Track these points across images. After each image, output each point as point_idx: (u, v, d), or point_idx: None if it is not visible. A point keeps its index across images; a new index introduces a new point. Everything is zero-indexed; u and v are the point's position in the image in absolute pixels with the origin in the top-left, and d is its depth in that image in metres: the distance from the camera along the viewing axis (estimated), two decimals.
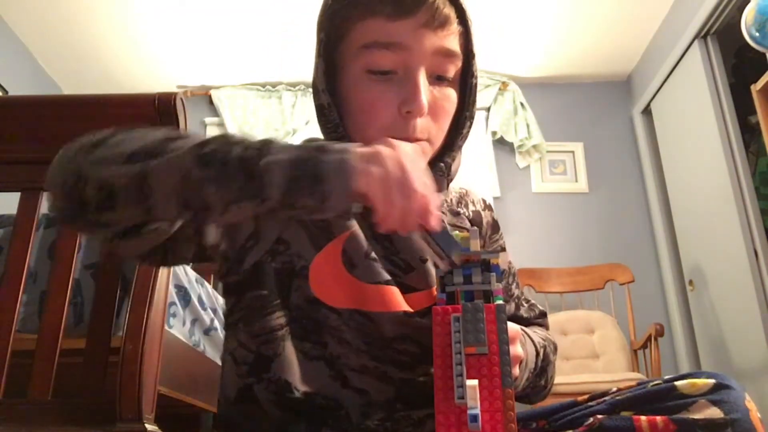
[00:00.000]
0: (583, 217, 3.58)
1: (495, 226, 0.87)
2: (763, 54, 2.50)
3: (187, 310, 1.47)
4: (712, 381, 0.58)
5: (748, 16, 2.27)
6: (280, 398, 0.65)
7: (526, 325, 0.82)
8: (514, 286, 0.85)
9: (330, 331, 0.67)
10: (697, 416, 0.56)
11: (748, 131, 3.07)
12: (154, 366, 1.06)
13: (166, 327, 1.16)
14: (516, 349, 0.65)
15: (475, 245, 0.60)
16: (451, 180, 0.77)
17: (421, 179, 0.52)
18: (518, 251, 3.47)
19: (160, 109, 1.19)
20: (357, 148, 0.53)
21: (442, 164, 0.73)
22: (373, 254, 0.69)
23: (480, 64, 3.25)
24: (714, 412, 0.56)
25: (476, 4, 3.16)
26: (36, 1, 3.05)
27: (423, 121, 0.67)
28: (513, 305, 0.83)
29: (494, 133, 3.67)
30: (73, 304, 1.22)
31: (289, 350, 0.66)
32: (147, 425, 1.01)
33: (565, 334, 2.91)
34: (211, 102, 3.77)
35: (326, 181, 0.51)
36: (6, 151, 1.22)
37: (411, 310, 0.69)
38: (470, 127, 0.76)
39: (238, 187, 0.52)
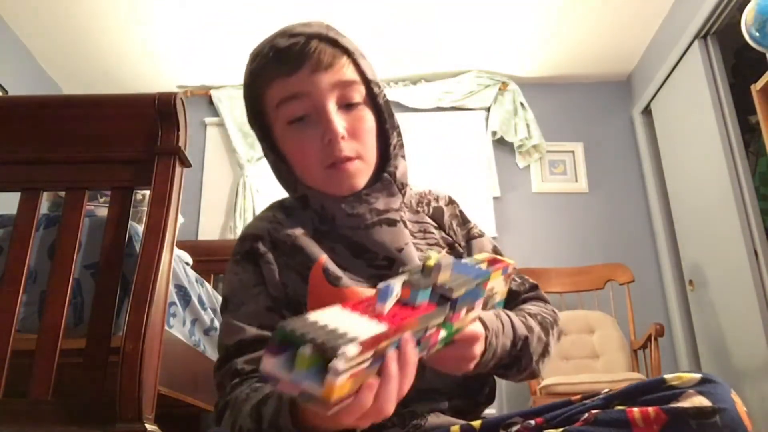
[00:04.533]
0: (583, 217, 3.58)
1: (462, 218, 0.93)
2: (763, 54, 2.50)
3: (187, 310, 1.47)
4: (698, 375, 0.62)
5: (748, 16, 2.27)
6: None
7: (516, 299, 0.88)
8: None
9: None
10: (686, 405, 0.58)
11: (748, 131, 3.08)
12: (154, 366, 1.06)
13: (166, 327, 1.16)
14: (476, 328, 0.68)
15: (444, 277, 0.59)
16: (404, 185, 0.85)
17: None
18: (518, 251, 3.47)
19: (160, 109, 1.20)
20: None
21: (386, 174, 0.83)
22: (347, 265, 0.79)
23: (480, 64, 3.27)
24: (702, 401, 0.58)
25: (477, 3, 3.16)
26: (36, 1, 3.05)
27: (347, 144, 0.78)
28: None
29: (494, 133, 3.67)
30: (73, 304, 1.22)
31: None
32: (147, 425, 1.01)
33: (565, 334, 2.91)
34: (211, 102, 3.77)
35: None
36: (6, 151, 1.22)
37: None
38: (399, 135, 0.85)
39: None
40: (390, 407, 0.51)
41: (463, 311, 0.63)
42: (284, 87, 0.78)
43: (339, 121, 0.77)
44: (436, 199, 0.93)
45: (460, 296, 0.60)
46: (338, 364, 0.43)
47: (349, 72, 0.79)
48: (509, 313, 0.78)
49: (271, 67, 0.78)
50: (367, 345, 0.46)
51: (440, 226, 0.90)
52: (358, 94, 0.79)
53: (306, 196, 0.82)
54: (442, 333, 0.60)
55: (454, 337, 0.64)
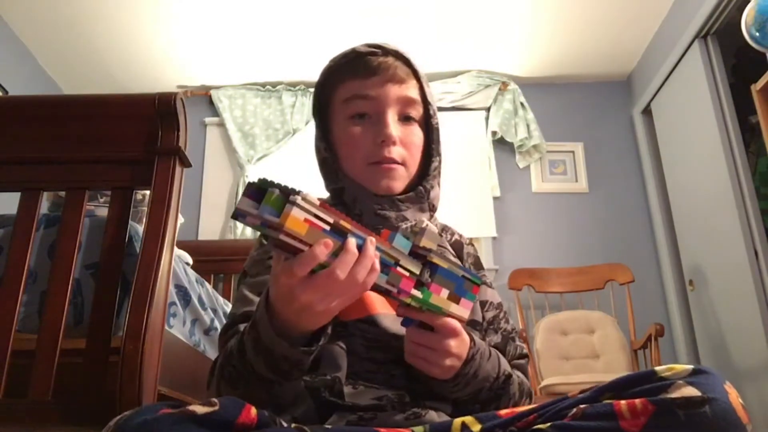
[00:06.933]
0: (583, 217, 3.58)
1: (477, 262, 0.98)
2: (763, 54, 2.50)
3: (188, 310, 1.47)
4: (690, 367, 0.60)
5: (748, 16, 2.27)
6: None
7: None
8: (503, 322, 0.92)
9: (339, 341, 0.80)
10: (674, 395, 0.57)
11: (748, 131, 3.07)
12: (154, 366, 1.06)
13: (166, 327, 1.16)
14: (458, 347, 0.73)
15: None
16: (434, 206, 0.93)
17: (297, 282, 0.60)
18: (518, 251, 3.47)
19: (160, 109, 1.20)
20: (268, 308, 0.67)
21: (421, 188, 0.91)
22: None
23: (480, 64, 3.28)
24: (691, 391, 0.57)
25: (477, 3, 3.16)
26: (36, 1, 3.05)
27: (396, 149, 0.87)
28: (500, 336, 0.90)
29: (494, 133, 3.67)
30: (73, 304, 1.22)
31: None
32: None
33: (565, 334, 2.91)
34: (211, 102, 3.77)
35: (275, 346, 0.66)
36: (6, 151, 1.22)
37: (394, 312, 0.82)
38: (440, 162, 0.94)
39: (261, 387, 0.71)
40: (351, 285, 0.59)
41: (444, 291, 0.69)
42: (357, 86, 0.87)
43: (395, 129, 0.86)
44: (459, 235, 1.00)
45: (440, 266, 0.69)
46: (296, 198, 0.54)
47: (414, 92, 0.89)
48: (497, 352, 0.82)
49: (351, 67, 0.89)
50: (325, 205, 0.57)
51: (458, 256, 0.95)
52: (417, 112, 0.90)
53: (342, 188, 0.89)
54: (417, 292, 0.67)
55: (434, 323, 0.70)
